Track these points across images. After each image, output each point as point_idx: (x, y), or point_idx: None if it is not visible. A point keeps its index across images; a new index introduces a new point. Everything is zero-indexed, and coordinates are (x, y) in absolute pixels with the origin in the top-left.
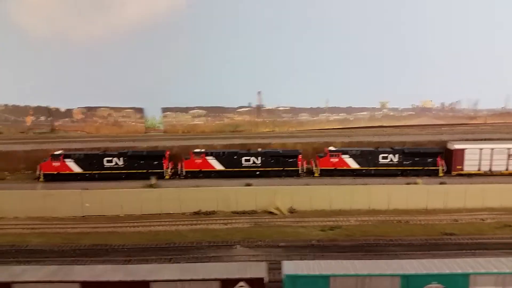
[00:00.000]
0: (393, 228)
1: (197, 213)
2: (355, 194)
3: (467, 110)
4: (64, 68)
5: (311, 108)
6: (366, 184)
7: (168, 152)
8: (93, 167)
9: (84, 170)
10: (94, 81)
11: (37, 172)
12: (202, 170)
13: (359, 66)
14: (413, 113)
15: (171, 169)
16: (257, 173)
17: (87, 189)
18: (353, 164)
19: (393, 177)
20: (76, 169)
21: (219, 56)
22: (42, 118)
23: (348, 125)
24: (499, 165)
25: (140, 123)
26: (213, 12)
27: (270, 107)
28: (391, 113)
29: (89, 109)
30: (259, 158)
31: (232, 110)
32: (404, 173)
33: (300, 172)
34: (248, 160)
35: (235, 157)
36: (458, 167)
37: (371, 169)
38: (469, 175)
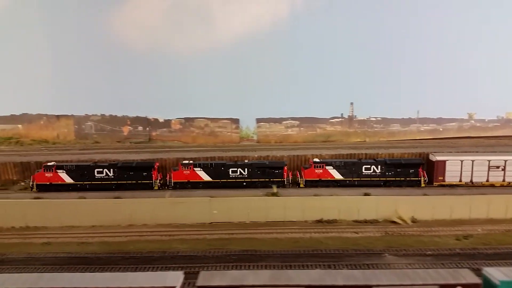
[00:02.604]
0: None
1: (319, 221)
2: (474, 204)
3: None
4: (162, 81)
5: (402, 118)
6: (485, 194)
7: (157, 164)
8: (84, 178)
9: (76, 181)
10: (190, 93)
11: (30, 183)
12: (190, 181)
13: (449, 77)
14: (498, 124)
15: (160, 180)
16: (244, 184)
17: (214, 196)
18: (337, 175)
19: (376, 188)
20: (68, 179)
21: (314, 68)
22: (140, 128)
23: (438, 135)
24: (480, 176)
25: (235, 133)
26: (310, 26)
27: (362, 118)
28: (478, 124)
29: (187, 119)
30: (246, 169)
31: (325, 120)
32: (386, 184)
33: (286, 183)
34: (235, 172)
35: (223, 168)
36: (439, 178)
37: (355, 180)
38: (451, 185)
